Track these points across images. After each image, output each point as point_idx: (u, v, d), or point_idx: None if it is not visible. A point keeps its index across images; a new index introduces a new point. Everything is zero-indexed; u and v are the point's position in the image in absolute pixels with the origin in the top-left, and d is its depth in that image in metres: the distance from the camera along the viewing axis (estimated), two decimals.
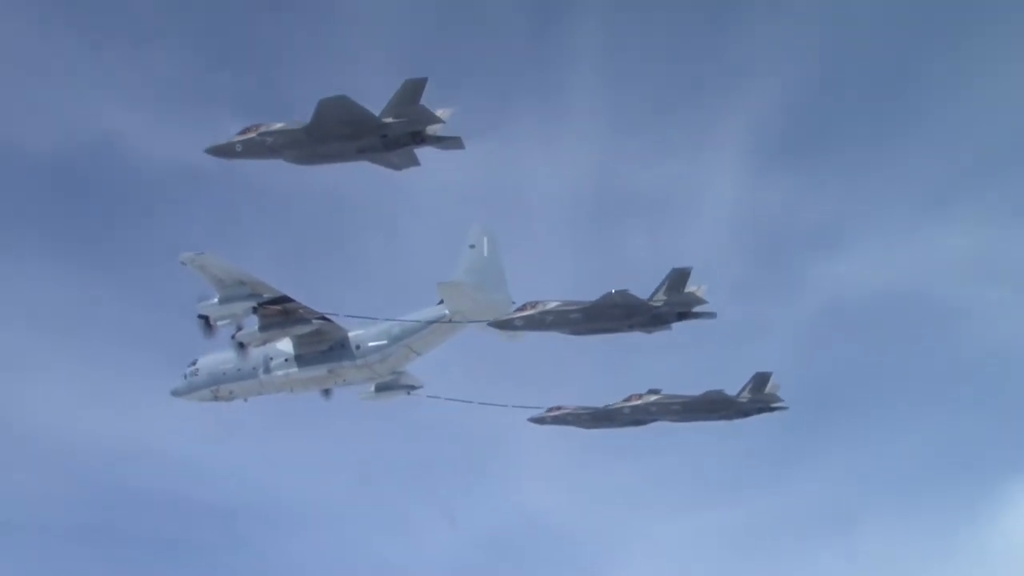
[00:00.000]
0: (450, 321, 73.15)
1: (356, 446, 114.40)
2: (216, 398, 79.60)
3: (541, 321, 66.74)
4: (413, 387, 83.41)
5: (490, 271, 75.32)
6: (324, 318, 75.33)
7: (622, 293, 64.15)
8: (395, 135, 49.09)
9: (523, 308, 67.60)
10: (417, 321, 74.72)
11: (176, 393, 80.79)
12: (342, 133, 49.11)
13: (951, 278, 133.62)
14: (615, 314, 65.54)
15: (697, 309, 66.50)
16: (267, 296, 70.99)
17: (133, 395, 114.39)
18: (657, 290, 65.47)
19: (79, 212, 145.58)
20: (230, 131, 51.73)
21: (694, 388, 78.48)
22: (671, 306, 65.55)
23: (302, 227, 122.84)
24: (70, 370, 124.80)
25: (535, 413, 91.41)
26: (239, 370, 78.05)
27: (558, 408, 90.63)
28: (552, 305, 66.48)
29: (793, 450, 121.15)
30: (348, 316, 74.72)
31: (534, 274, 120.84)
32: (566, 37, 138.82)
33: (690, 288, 66.50)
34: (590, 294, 66.63)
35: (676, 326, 67.23)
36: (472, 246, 76.74)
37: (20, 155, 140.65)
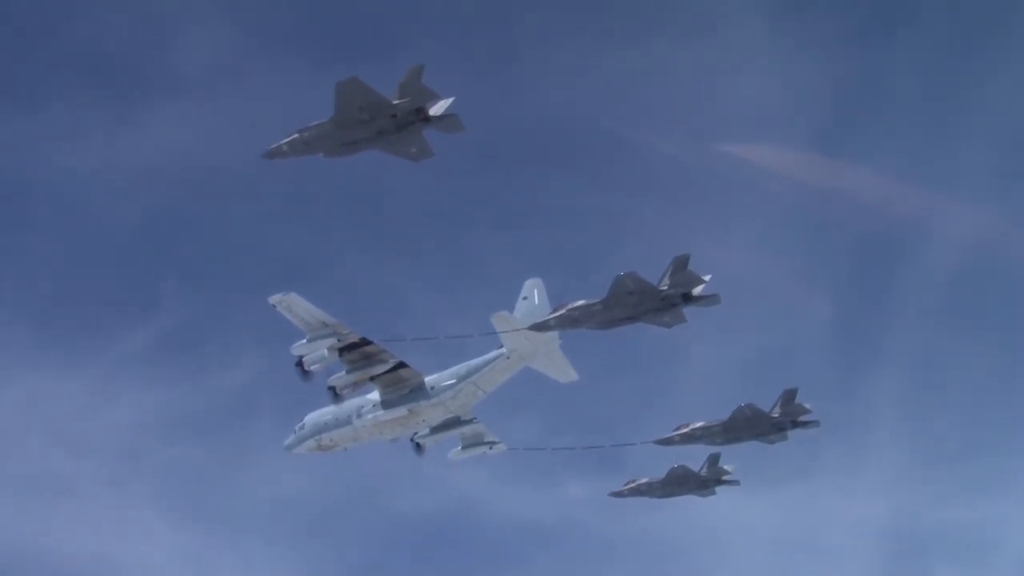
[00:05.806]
0: (497, 332, 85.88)
1: None
2: (320, 447, 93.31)
3: (570, 318, 75.91)
4: (494, 443, 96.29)
5: (540, 317, 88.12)
6: (402, 363, 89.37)
7: (631, 275, 72.27)
8: (403, 114, 60.62)
9: (555, 310, 78.55)
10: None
11: (288, 447, 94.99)
12: (361, 118, 61.69)
13: None
14: (630, 300, 73.39)
15: (700, 293, 76.08)
16: (347, 334, 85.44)
17: None
18: (662, 277, 74.11)
19: None
20: None
21: None
22: (675, 287, 73.60)
23: None
24: None
25: (614, 488, 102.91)
26: (337, 419, 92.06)
27: (633, 481, 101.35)
28: (578, 303, 77.11)
29: None
30: (414, 340, 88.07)
31: None
32: (868, 381, 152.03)
33: (696, 288, 77.23)
34: None
35: None
36: (524, 298, 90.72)
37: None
